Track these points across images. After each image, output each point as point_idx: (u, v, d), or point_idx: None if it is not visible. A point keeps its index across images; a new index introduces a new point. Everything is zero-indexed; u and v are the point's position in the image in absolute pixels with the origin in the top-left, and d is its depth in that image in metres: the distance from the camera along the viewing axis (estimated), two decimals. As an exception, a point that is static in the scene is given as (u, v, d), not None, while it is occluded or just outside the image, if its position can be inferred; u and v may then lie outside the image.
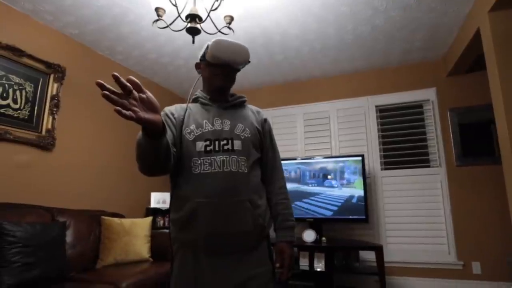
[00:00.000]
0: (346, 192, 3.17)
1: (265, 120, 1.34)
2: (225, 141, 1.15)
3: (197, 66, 1.31)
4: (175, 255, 1.16)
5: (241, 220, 1.10)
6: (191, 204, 1.09)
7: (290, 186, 3.36)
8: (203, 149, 1.13)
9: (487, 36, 2.25)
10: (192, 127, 1.18)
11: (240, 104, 1.31)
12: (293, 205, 3.27)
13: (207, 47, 1.20)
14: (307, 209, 3.25)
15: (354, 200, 3.12)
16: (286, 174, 3.34)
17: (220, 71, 1.21)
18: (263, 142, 1.29)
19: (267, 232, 1.22)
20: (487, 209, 3.01)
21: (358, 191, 3.13)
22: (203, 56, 1.25)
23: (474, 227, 3.03)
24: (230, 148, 1.14)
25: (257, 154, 1.24)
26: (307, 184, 3.33)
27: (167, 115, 1.23)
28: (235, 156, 1.14)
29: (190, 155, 1.14)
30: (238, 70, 1.25)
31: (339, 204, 3.16)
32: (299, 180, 3.37)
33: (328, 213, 3.18)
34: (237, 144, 1.16)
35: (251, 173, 1.17)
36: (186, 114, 1.22)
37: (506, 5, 2.10)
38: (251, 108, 1.35)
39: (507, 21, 2.15)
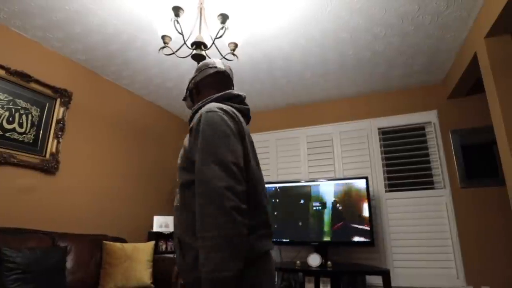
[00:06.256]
0: (349, 213, 3.13)
1: (198, 121, 0.95)
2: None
3: None
4: None
5: (177, 259, 1.01)
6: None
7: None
8: None
9: (484, 60, 2.30)
10: None
11: (198, 123, 0.97)
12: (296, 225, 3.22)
13: None
14: (312, 232, 3.20)
15: (359, 223, 3.08)
16: (292, 195, 3.33)
17: None
18: (194, 155, 0.94)
19: (193, 278, 0.92)
20: (495, 232, 2.96)
21: (363, 214, 3.09)
22: None
23: (482, 249, 2.97)
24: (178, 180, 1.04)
25: (189, 176, 0.97)
26: (312, 206, 3.29)
27: None
28: (178, 189, 1.04)
29: None
30: (188, 86, 1.22)
31: (344, 226, 3.11)
32: (304, 202, 3.33)
33: (333, 237, 3.13)
34: (178, 175, 1.04)
35: (185, 205, 0.98)
36: None
37: (501, 31, 2.17)
38: None
39: (503, 46, 2.22)
